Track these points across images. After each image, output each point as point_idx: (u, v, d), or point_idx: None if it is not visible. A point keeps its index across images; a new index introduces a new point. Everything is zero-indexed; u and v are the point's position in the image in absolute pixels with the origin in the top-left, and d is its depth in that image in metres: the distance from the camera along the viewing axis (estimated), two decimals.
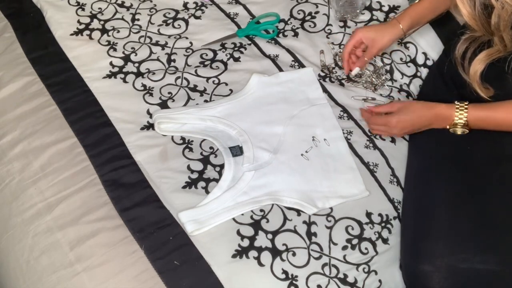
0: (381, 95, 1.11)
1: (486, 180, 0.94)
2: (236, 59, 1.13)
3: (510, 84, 0.93)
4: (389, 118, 1.01)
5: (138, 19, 1.19)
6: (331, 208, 0.95)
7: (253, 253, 0.88)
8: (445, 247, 0.88)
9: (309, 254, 0.90)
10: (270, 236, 0.90)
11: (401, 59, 1.18)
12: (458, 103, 0.96)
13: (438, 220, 0.91)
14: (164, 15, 1.21)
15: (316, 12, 1.23)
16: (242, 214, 0.92)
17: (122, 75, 1.09)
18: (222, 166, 0.98)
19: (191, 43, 1.16)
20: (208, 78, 1.10)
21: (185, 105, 1.05)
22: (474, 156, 0.97)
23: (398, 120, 1.00)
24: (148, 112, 1.04)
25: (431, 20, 1.13)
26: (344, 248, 0.92)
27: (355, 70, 1.11)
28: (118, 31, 1.17)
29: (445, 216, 0.92)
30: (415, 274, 0.90)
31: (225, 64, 1.12)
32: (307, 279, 0.88)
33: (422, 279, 0.88)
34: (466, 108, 0.95)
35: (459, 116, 0.96)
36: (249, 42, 1.17)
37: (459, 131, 0.97)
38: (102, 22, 1.18)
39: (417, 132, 1.04)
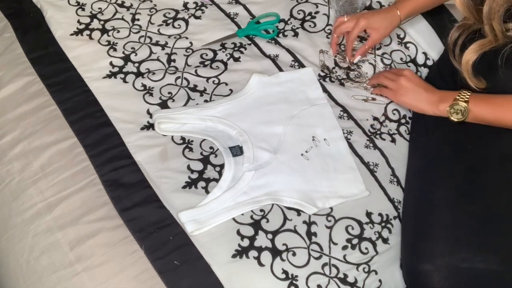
0: (381, 95, 1.11)
1: (487, 179, 0.94)
2: (236, 59, 1.13)
3: (500, 77, 0.93)
4: (404, 69, 1.06)
5: (138, 19, 1.19)
6: (331, 208, 0.95)
7: (253, 253, 0.88)
8: (445, 247, 0.88)
9: (309, 254, 0.90)
10: (270, 236, 0.90)
11: (401, 59, 1.18)
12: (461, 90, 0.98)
13: (438, 220, 0.91)
14: (164, 15, 1.21)
15: (316, 12, 1.23)
16: (242, 214, 0.92)
17: (122, 75, 1.09)
18: (222, 166, 0.98)
19: (191, 43, 1.16)
20: (208, 78, 1.10)
21: (185, 105, 1.05)
22: (475, 155, 0.97)
23: (412, 73, 1.05)
24: (148, 112, 1.04)
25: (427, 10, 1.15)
26: (344, 248, 0.92)
27: (357, 58, 1.13)
28: (118, 31, 1.17)
29: (446, 215, 0.92)
30: (415, 274, 0.90)
31: (225, 64, 1.12)
32: (307, 279, 0.88)
33: (422, 279, 0.88)
34: (468, 94, 0.97)
35: (462, 93, 0.97)
36: (249, 42, 1.17)
37: (457, 114, 0.97)
38: (102, 22, 1.18)
39: (415, 111, 1.07)
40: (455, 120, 0.97)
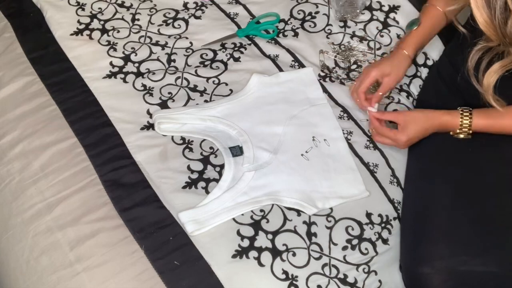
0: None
1: (486, 182, 0.94)
2: (236, 59, 1.13)
3: None
4: (398, 136, 0.98)
5: (138, 19, 1.19)
6: (331, 209, 0.95)
7: (253, 253, 0.88)
8: (444, 250, 0.88)
9: (309, 254, 0.90)
10: (270, 236, 0.90)
11: None
12: (462, 110, 0.96)
13: (437, 222, 0.91)
14: (164, 15, 1.21)
15: (316, 12, 1.23)
16: (242, 214, 0.92)
17: (122, 75, 1.09)
18: (222, 166, 0.98)
19: (191, 43, 1.16)
20: (208, 78, 1.10)
21: (185, 105, 1.05)
22: (474, 158, 0.97)
23: (408, 139, 0.98)
24: (148, 112, 1.04)
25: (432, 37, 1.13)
26: (344, 248, 0.92)
27: (376, 106, 1.05)
28: (118, 31, 1.17)
29: (445, 218, 0.91)
30: (414, 277, 0.90)
31: (225, 64, 1.12)
32: (307, 279, 0.88)
33: (421, 282, 0.88)
34: (470, 115, 0.95)
35: (464, 123, 0.95)
36: (249, 42, 1.17)
37: (462, 135, 0.97)
38: (102, 22, 1.18)
39: None
40: (462, 137, 0.97)
